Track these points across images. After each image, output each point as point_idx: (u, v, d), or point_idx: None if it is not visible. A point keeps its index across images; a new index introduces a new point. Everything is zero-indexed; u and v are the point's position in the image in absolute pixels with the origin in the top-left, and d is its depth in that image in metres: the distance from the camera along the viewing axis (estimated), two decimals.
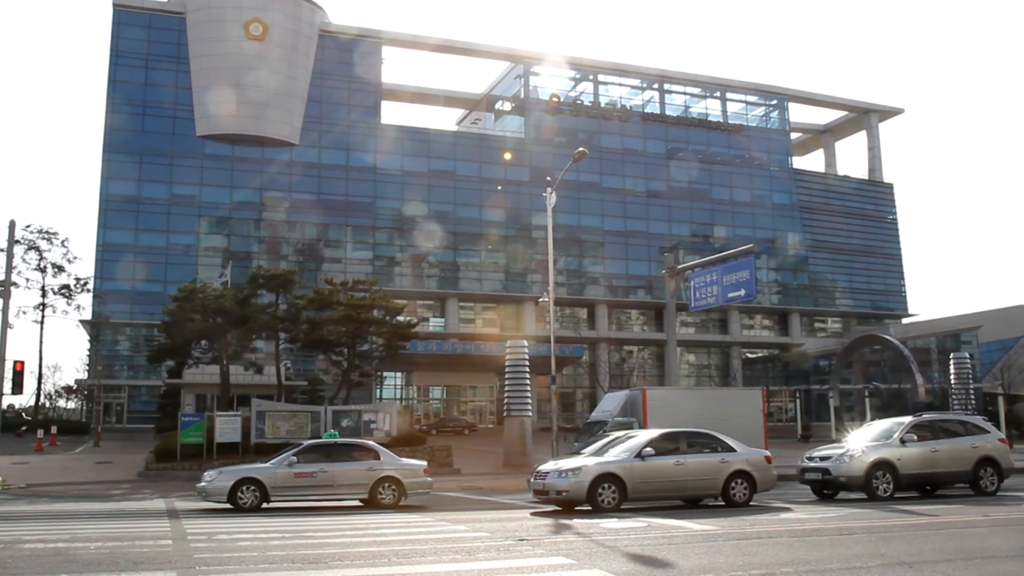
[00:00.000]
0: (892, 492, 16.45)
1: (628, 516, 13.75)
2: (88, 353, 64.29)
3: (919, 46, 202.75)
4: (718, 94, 79.35)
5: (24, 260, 56.96)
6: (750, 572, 8.31)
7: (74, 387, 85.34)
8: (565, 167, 30.24)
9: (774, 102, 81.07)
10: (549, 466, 15.70)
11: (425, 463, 18.11)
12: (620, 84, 76.90)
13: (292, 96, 64.73)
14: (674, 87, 78.62)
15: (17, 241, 46.18)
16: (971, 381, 40.36)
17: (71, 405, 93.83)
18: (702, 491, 15.71)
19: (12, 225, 27.70)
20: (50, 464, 31.61)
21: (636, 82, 77.53)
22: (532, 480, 15.78)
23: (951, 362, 40.04)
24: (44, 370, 67.79)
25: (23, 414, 64.30)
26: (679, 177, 74.43)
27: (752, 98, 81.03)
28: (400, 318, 40.98)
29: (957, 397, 38.27)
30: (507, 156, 68.35)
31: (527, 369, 31.13)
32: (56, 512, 16.41)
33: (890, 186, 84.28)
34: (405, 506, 16.56)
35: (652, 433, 16.47)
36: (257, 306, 36.67)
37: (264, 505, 16.25)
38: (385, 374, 61.66)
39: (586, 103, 74.68)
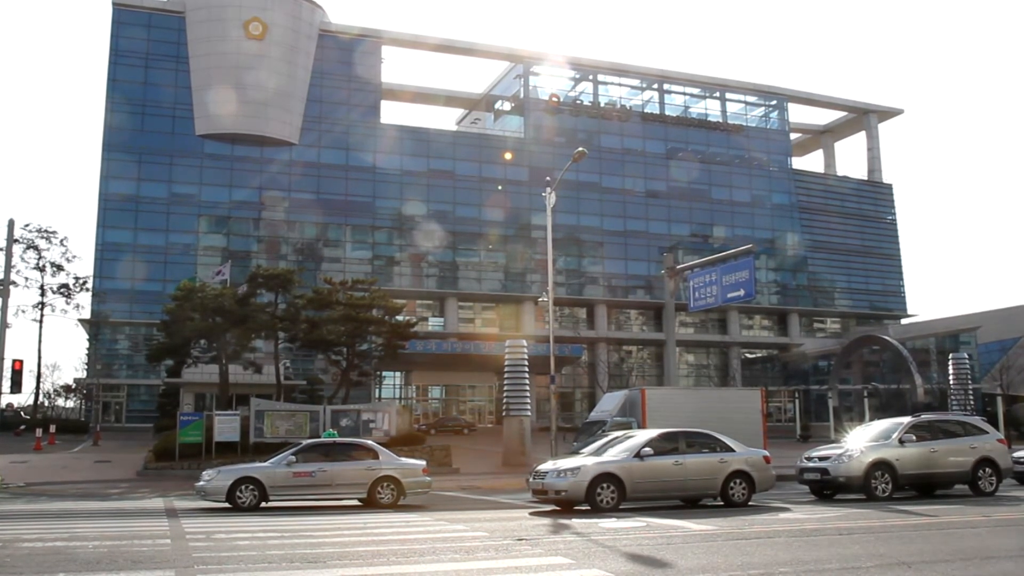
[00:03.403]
0: (891, 492, 16.46)
1: (627, 516, 13.75)
2: (87, 352, 64.32)
3: (919, 46, 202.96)
4: (718, 94, 79.38)
5: (23, 259, 56.99)
6: (748, 572, 8.31)
7: (73, 386, 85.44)
8: (565, 167, 30.22)
9: (773, 102, 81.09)
10: (548, 466, 15.70)
11: (424, 463, 18.09)
12: (620, 84, 76.91)
13: (292, 96, 64.71)
14: (674, 87, 78.64)
15: (16, 240, 46.14)
16: (970, 382, 40.37)
17: (70, 404, 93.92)
18: (701, 491, 15.71)
19: (11, 224, 27.68)
20: (49, 463, 31.59)
21: (636, 82, 77.55)
22: (531, 480, 15.78)
23: (950, 363, 40.03)
24: (43, 369, 67.85)
25: (22, 413, 64.29)
26: (679, 177, 74.47)
27: (752, 98, 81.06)
28: (399, 318, 40.99)
29: (956, 397, 38.27)
30: (507, 156, 68.34)
31: (526, 369, 31.13)
32: (55, 511, 16.40)
33: (889, 186, 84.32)
34: (404, 506, 16.55)
35: (651, 433, 16.47)
36: (256, 305, 36.65)
37: (263, 504, 16.24)
38: (384, 374, 61.63)
39: (586, 103, 74.70)
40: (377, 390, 61.18)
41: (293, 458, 16.61)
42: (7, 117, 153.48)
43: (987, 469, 17.25)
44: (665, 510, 14.90)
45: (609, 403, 28.26)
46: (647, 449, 15.22)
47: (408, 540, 10.98)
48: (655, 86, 78.06)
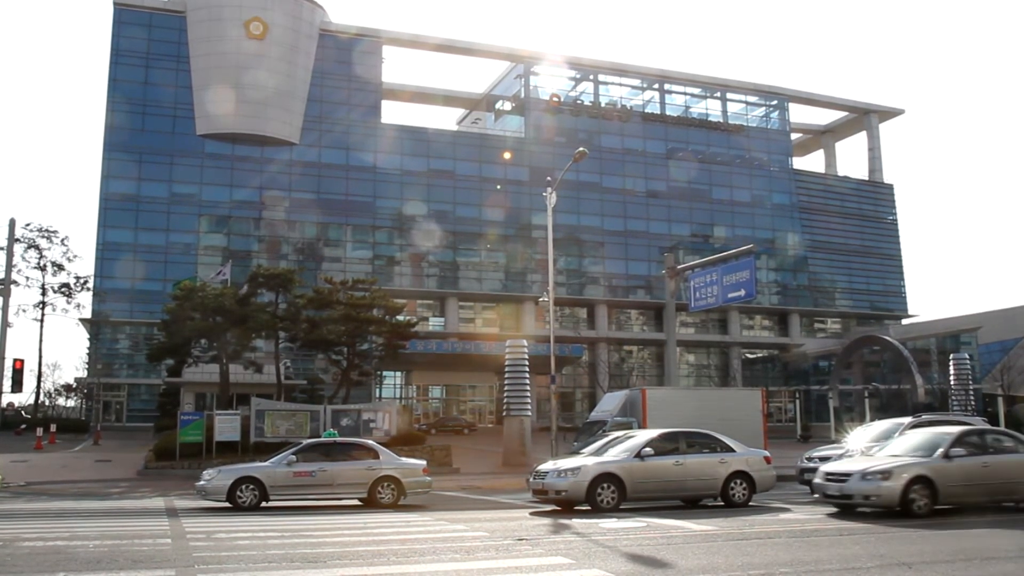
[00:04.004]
0: None
1: (627, 516, 13.75)
2: (88, 351, 64.35)
3: (919, 46, 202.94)
4: (718, 94, 79.33)
5: (24, 258, 57.14)
6: (749, 572, 8.31)
7: (74, 385, 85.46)
8: (565, 167, 30.22)
9: (774, 102, 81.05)
10: (548, 466, 15.69)
11: (424, 462, 18.09)
12: (620, 84, 76.87)
13: (292, 95, 64.71)
14: (674, 87, 78.61)
15: (17, 239, 46.05)
16: (971, 382, 40.35)
17: (70, 403, 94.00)
18: (701, 491, 15.71)
19: (12, 223, 27.68)
20: (49, 462, 31.60)
21: (636, 82, 77.52)
22: (531, 480, 15.78)
23: (951, 363, 40.02)
24: (44, 368, 67.91)
25: (22, 412, 64.34)
26: (679, 177, 74.43)
27: (752, 98, 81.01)
28: (400, 317, 40.96)
29: (957, 398, 38.27)
30: (507, 156, 68.31)
31: (527, 369, 31.12)
32: (55, 510, 16.41)
33: (890, 187, 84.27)
34: (404, 505, 16.55)
35: (651, 433, 16.47)
36: (257, 305, 36.64)
37: (263, 504, 16.24)
38: (385, 373, 61.64)
39: (586, 103, 74.66)
40: (377, 390, 61.19)
41: (293, 458, 16.61)
42: (8, 117, 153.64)
43: None
44: (665, 510, 14.89)
45: (609, 403, 28.26)
46: (647, 449, 15.21)
47: (408, 540, 10.99)
48: (655, 86, 78.02)
